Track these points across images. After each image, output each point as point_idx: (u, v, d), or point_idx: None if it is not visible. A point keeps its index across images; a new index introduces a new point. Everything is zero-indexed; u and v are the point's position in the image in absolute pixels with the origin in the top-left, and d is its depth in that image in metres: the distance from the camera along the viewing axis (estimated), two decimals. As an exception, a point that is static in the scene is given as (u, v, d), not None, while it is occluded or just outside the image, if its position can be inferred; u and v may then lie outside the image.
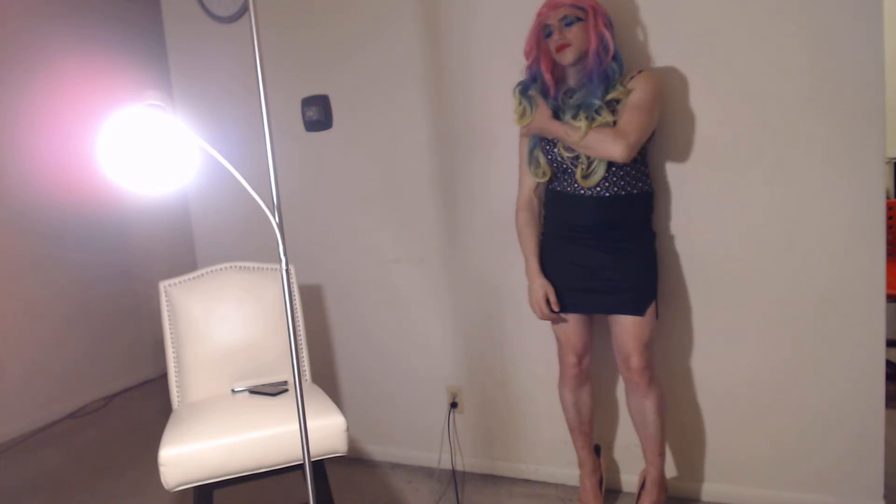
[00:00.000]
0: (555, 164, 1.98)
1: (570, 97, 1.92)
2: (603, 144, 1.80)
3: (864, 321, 1.94)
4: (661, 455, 2.06)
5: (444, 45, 2.36)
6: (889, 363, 2.19)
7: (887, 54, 1.86)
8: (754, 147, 2.00)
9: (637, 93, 1.85)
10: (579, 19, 1.84)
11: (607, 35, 1.84)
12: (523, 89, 2.00)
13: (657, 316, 2.01)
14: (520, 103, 2.00)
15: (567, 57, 1.87)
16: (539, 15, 1.91)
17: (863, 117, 1.87)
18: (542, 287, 2.02)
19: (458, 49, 2.33)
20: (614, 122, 1.84)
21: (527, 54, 1.96)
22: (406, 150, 2.49)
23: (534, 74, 1.97)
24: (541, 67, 1.94)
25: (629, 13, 2.07)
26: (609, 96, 1.86)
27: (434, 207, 2.48)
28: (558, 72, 1.97)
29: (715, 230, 2.08)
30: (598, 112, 1.84)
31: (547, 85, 1.95)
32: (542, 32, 1.91)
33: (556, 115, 1.94)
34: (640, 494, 2.13)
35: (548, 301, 2.02)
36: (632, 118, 1.82)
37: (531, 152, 2.04)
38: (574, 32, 1.84)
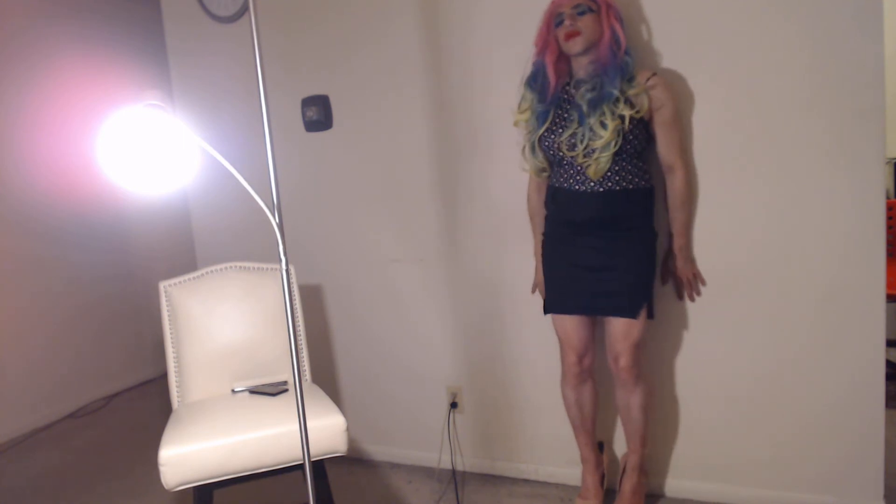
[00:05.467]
0: (554, 158, 1.98)
1: (579, 89, 1.92)
2: (689, 188, 1.99)
3: (864, 321, 1.94)
4: (643, 445, 2.13)
5: (444, 45, 2.36)
6: (889, 363, 2.19)
7: (887, 54, 1.86)
8: (754, 147, 2.00)
9: (667, 110, 1.91)
10: (591, 10, 1.85)
11: (619, 29, 1.85)
12: (530, 80, 2.00)
13: (652, 316, 2.02)
14: (524, 99, 2.01)
15: (575, 46, 1.87)
16: (552, 3, 1.91)
17: (863, 117, 1.87)
18: None
19: (459, 49, 2.32)
20: (629, 116, 1.85)
21: (537, 44, 1.96)
22: (406, 150, 2.49)
23: (538, 66, 1.96)
24: (545, 58, 1.93)
25: (631, 13, 2.07)
26: (629, 92, 1.86)
27: (434, 207, 2.48)
28: (563, 65, 1.96)
29: (714, 230, 2.08)
30: (615, 104, 1.84)
31: (548, 77, 1.94)
32: (553, 21, 1.91)
33: (561, 106, 1.94)
34: (621, 478, 2.18)
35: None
36: (674, 140, 1.95)
37: (533, 149, 2.03)
38: (585, 22, 1.84)
